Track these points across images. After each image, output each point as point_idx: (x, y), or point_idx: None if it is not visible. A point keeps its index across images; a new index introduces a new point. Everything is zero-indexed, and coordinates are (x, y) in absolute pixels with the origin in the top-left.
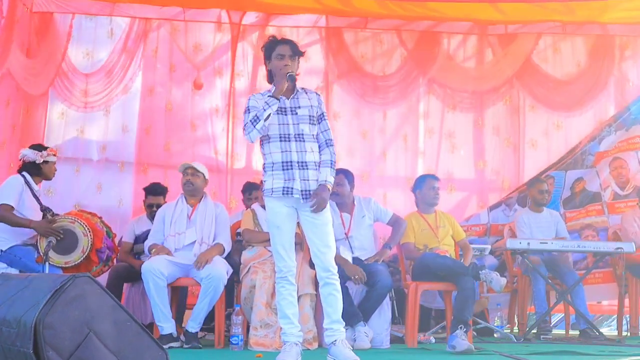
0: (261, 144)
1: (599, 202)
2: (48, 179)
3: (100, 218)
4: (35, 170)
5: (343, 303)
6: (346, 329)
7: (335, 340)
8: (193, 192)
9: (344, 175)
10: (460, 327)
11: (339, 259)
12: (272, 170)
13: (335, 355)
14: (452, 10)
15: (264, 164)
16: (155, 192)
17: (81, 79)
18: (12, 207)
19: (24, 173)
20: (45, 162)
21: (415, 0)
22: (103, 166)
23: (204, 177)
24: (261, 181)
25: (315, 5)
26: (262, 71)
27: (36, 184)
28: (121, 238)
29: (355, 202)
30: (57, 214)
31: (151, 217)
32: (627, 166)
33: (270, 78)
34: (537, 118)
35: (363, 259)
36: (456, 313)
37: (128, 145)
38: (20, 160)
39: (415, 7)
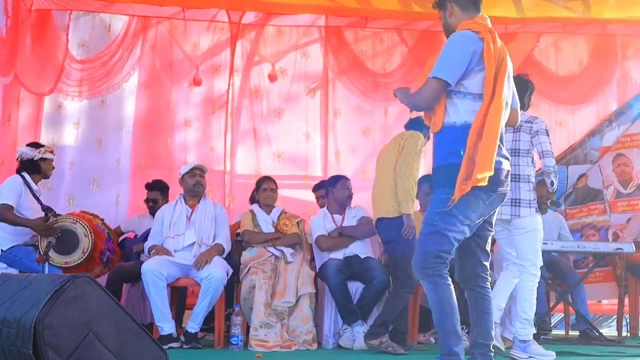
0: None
1: (601, 200)
2: (46, 176)
3: (102, 219)
4: (34, 168)
5: (342, 301)
6: (345, 329)
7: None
8: (201, 192)
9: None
10: (462, 328)
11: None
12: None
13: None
14: None
15: (529, 175)
16: (150, 187)
17: (78, 74)
18: (12, 206)
19: (23, 173)
20: (43, 159)
21: None
22: (99, 164)
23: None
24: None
25: (319, 3)
26: (261, 70)
27: (35, 183)
28: (119, 226)
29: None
30: (59, 214)
31: (151, 213)
32: (630, 164)
33: None
34: (540, 115)
35: (362, 256)
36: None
37: (125, 143)
38: (17, 159)
39: (418, 5)
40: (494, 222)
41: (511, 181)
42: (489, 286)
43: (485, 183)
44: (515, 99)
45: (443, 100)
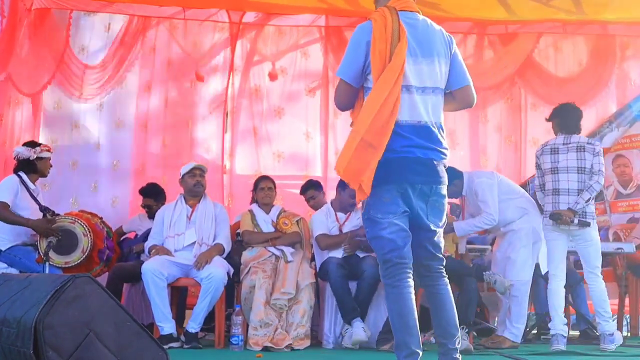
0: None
1: (601, 201)
2: (43, 175)
3: (100, 218)
4: (30, 167)
5: (342, 296)
6: (346, 330)
7: None
8: (201, 192)
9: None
10: (462, 328)
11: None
12: None
13: None
14: (455, 8)
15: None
16: (144, 194)
17: (78, 74)
18: (7, 204)
19: (20, 173)
20: (40, 158)
21: None
22: (99, 164)
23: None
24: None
25: (316, 5)
26: (261, 69)
27: (33, 182)
28: (121, 226)
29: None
30: (58, 214)
31: (149, 217)
32: (630, 165)
33: None
34: (538, 116)
35: (361, 255)
36: (459, 314)
37: (125, 143)
38: (14, 158)
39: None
40: (439, 221)
41: (577, 196)
42: (442, 282)
43: (364, 182)
44: (464, 76)
45: (362, 96)
